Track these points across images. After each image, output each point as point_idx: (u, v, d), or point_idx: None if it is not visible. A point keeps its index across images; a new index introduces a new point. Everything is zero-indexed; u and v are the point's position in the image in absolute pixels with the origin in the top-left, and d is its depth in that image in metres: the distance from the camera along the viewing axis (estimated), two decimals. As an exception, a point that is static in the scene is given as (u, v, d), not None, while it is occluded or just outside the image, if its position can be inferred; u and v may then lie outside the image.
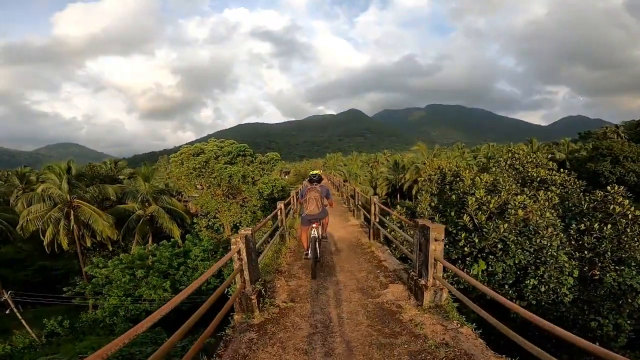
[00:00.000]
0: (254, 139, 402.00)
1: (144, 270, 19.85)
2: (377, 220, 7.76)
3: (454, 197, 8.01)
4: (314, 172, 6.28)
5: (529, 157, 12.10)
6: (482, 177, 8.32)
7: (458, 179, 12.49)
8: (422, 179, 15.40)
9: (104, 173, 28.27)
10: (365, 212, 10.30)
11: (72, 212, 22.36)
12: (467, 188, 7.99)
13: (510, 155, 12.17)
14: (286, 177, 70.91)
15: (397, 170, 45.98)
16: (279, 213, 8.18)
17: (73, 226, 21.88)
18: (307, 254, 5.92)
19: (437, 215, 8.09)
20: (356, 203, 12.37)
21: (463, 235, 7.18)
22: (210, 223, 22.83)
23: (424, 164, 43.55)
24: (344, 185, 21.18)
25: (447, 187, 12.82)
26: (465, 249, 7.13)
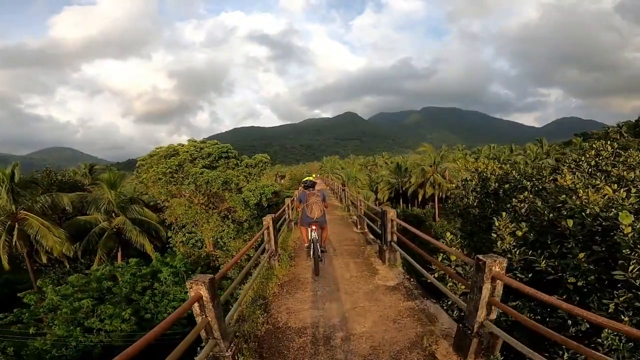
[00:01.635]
0: (249, 143, 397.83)
1: (97, 295, 16.00)
2: (491, 317, 3.16)
3: (569, 222, 4.28)
4: (307, 178, 6.89)
5: (619, 156, 8.49)
6: (604, 189, 4.64)
7: (508, 185, 8.85)
8: (454, 185, 11.73)
9: (66, 179, 24.32)
10: (407, 256, 5.83)
11: (16, 225, 18.41)
12: (594, 208, 4.29)
13: (594, 153, 8.54)
14: (282, 181, 67.03)
15: (399, 174, 42.43)
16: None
17: (15, 242, 17.96)
18: (308, 246, 6.37)
19: (542, 257, 4.34)
20: (389, 239, 6.53)
21: (622, 298, 3.52)
22: (184, 239, 18.94)
23: (431, 166, 40.03)
24: (353, 195, 17.21)
25: (491, 198, 9.16)
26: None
